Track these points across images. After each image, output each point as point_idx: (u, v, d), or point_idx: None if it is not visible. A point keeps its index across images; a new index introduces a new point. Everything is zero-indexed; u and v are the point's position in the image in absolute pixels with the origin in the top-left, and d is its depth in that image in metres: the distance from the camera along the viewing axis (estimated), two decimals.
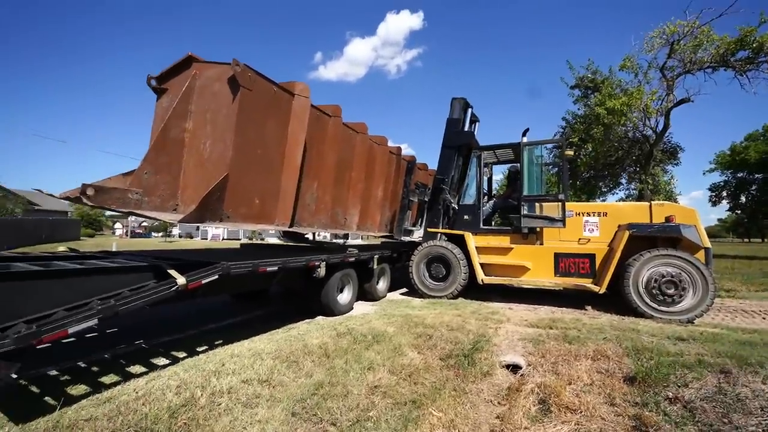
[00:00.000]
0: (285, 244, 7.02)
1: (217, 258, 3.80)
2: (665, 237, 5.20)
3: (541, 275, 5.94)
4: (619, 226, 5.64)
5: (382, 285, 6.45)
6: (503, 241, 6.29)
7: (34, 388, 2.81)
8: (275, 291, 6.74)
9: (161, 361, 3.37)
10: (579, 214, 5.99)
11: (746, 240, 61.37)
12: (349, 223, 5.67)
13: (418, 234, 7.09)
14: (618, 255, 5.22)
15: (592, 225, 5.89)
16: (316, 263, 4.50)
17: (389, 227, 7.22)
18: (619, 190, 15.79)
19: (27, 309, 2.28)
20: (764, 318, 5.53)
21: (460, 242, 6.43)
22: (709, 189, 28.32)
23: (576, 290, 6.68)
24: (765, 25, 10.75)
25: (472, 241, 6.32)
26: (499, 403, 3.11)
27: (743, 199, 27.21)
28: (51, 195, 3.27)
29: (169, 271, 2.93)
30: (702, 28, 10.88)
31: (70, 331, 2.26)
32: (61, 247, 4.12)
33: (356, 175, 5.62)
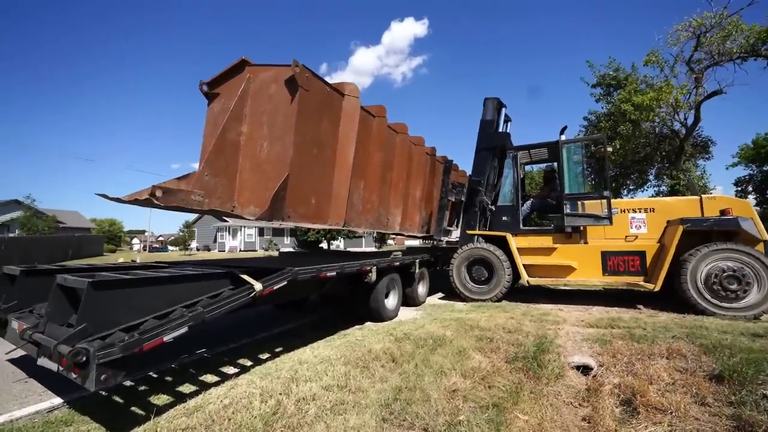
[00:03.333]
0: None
1: (269, 265, 3.80)
2: (720, 231, 5.02)
3: (589, 275, 5.79)
4: (668, 221, 5.48)
5: (422, 290, 6.39)
6: (545, 241, 6.17)
7: (117, 398, 2.84)
8: (312, 300, 6.76)
9: (230, 369, 3.38)
10: (624, 210, 5.85)
11: None
12: (391, 223, 5.64)
13: (455, 234, 7.02)
14: (672, 251, 5.06)
15: (639, 221, 5.74)
16: (368, 268, 4.48)
17: (426, 228, 7.17)
18: (648, 188, 15.47)
19: (122, 317, 2.31)
20: None
21: (500, 244, 6.34)
22: (735, 183, 27.42)
23: (622, 289, 6.49)
24: None
25: (514, 242, 6.22)
26: (579, 404, 3.01)
27: None
28: (117, 199, 3.25)
29: (243, 276, 2.94)
30: (730, 19, 10.68)
31: (166, 338, 2.28)
32: (121, 258, 4.18)
33: (397, 175, 5.62)
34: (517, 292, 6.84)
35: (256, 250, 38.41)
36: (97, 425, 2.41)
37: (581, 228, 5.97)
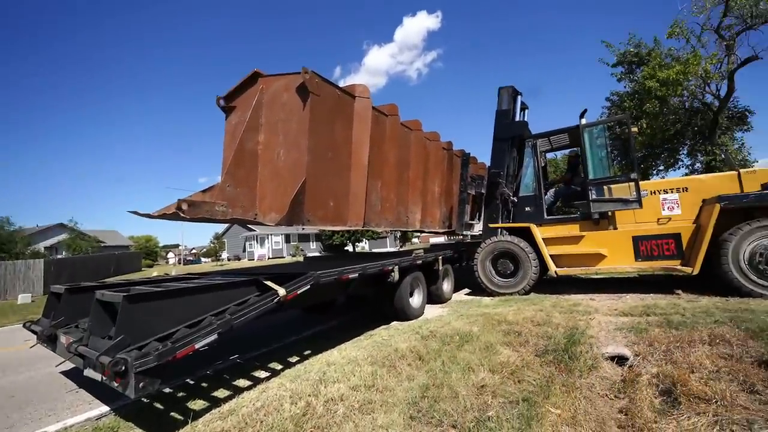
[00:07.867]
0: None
1: (294, 270, 3.89)
2: (764, 206, 4.69)
3: (620, 261, 5.55)
4: (704, 200, 5.17)
5: (447, 286, 6.34)
6: (572, 229, 5.97)
7: (158, 405, 2.99)
8: (340, 302, 6.85)
9: (261, 373, 3.48)
10: (654, 192, 5.58)
11: None
12: (411, 221, 5.64)
13: (477, 227, 6.92)
14: (710, 231, 4.77)
15: (672, 202, 5.45)
16: (390, 268, 4.50)
17: (448, 223, 7.12)
18: (680, 167, 14.56)
19: (156, 328, 2.43)
20: None
21: (525, 235, 6.19)
22: None
23: (658, 275, 6.19)
24: None
25: (539, 232, 6.05)
26: (615, 396, 2.89)
27: None
28: (147, 215, 3.43)
29: (266, 282, 3.03)
30: None
31: (197, 346, 2.38)
32: (155, 272, 4.40)
33: (414, 172, 5.61)
34: (546, 284, 6.66)
35: (283, 257, 39.34)
36: (140, 431, 2.56)
37: (609, 213, 5.73)
